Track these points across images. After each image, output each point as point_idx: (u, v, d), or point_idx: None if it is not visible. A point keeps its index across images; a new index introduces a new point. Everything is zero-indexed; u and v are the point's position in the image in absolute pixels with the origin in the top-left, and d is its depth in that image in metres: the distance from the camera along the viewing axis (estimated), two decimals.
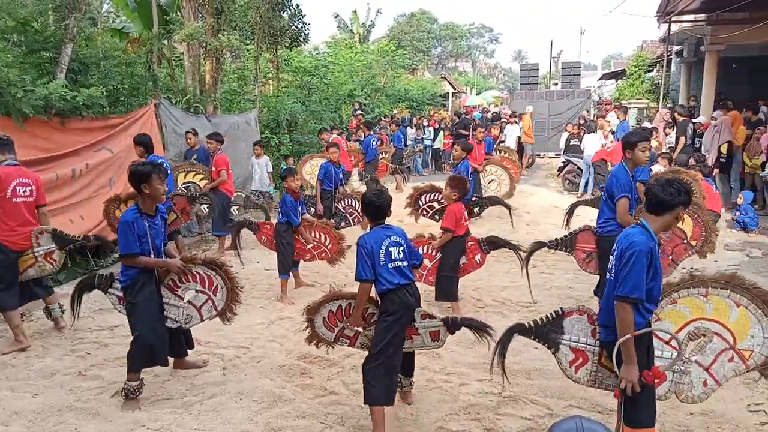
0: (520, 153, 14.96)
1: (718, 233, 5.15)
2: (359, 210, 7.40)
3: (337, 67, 19.10)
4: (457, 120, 17.73)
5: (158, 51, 9.63)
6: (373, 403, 3.22)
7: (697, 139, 11.14)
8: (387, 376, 3.24)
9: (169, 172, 6.77)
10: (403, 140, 14.91)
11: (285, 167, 7.74)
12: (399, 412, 3.54)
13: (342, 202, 7.68)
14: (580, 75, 24.23)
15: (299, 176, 8.93)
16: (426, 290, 5.49)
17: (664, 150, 10.26)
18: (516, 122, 15.73)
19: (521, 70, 25.40)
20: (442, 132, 16.42)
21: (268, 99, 13.28)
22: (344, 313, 3.48)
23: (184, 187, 7.45)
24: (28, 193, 4.53)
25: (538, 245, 5.05)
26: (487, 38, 57.35)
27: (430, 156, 16.79)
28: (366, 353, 3.36)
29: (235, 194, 8.11)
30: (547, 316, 3.02)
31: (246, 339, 4.74)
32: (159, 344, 3.69)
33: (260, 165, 10.00)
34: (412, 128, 16.38)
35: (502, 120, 15.80)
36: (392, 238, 3.32)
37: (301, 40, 15.14)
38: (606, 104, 20.10)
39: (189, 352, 4.17)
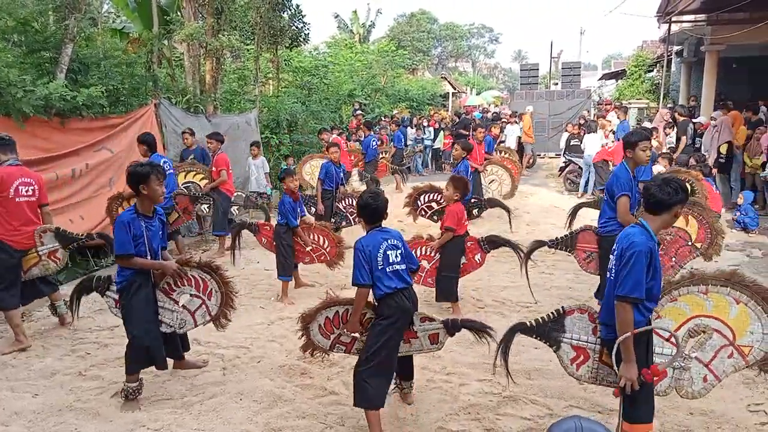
0: (520, 153, 14.96)
1: (724, 236, 5.11)
2: None
3: (337, 67, 19.10)
4: (457, 120, 17.74)
5: (158, 51, 9.64)
6: (363, 406, 3.21)
7: (697, 139, 11.14)
8: (379, 380, 3.20)
9: (171, 171, 6.81)
10: (403, 140, 14.92)
11: (284, 168, 7.73)
12: (399, 412, 3.54)
13: (343, 201, 7.67)
14: (580, 75, 24.22)
15: (299, 177, 8.94)
16: (425, 292, 5.50)
17: (664, 150, 10.26)
18: (516, 122, 15.73)
19: (521, 70, 25.40)
20: (442, 132, 16.43)
21: (268, 99, 13.28)
22: (341, 320, 3.41)
23: (184, 187, 7.45)
24: (30, 193, 4.55)
25: (538, 244, 5.05)
26: (487, 38, 57.41)
27: (430, 156, 16.80)
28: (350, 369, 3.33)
29: (235, 194, 8.12)
30: (548, 315, 3.03)
31: (246, 339, 4.74)
32: (155, 346, 3.65)
33: (257, 166, 9.95)
34: (412, 128, 16.39)
35: (503, 120, 15.81)
36: (389, 241, 3.28)
37: (301, 40, 15.15)
38: (606, 104, 20.10)
39: (186, 355, 4.15)
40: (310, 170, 9.78)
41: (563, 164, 13.38)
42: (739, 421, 3.39)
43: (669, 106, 14.83)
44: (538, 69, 24.35)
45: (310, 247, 5.96)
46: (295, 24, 14.38)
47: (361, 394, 3.21)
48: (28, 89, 5.97)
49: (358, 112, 16.63)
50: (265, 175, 10.06)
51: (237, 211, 8.50)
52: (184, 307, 3.81)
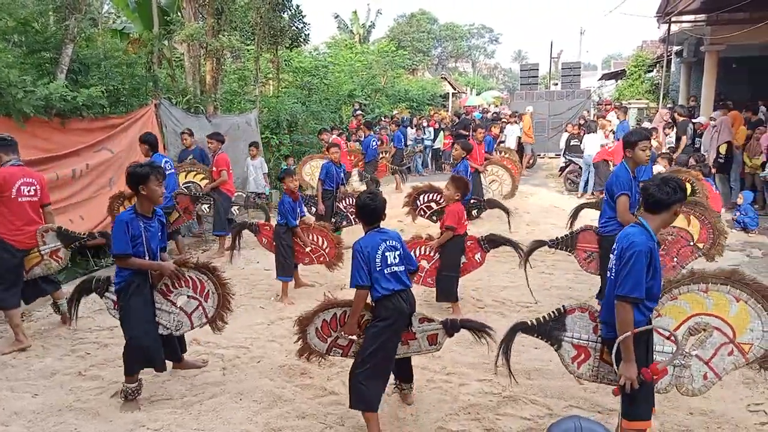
0: (520, 153, 14.96)
1: (727, 236, 5.10)
2: None
3: (337, 68, 19.11)
4: (457, 120, 17.74)
5: (159, 51, 9.64)
6: (359, 408, 3.20)
7: (697, 139, 11.14)
8: (375, 382, 3.18)
9: (173, 171, 6.82)
10: (403, 140, 14.92)
11: (283, 168, 7.72)
12: (399, 412, 3.54)
13: (343, 201, 7.67)
14: (580, 75, 24.19)
15: (299, 177, 8.94)
16: (425, 292, 5.50)
17: (664, 150, 10.26)
18: (516, 122, 15.74)
19: (521, 70, 25.38)
20: (442, 132, 16.43)
21: (268, 99, 13.29)
22: (339, 322, 3.37)
23: (185, 187, 7.46)
24: (32, 193, 4.59)
25: (539, 244, 5.05)
26: (487, 38, 57.37)
27: (430, 156, 16.80)
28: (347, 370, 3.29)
29: (235, 194, 8.12)
30: (549, 314, 3.05)
31: (246, 339, 4.74)
32: (154, 348, 3.63)
33: (255, 166, 9.93)
34: (412, 128, 16.39)
35: (502, 120, 15.81)
36: (388, 242, 3.25)
37: (301, 40, 15.18)
38: (606, 104, 20.11)
39: (186, 355, 4.15)
40: (310, 171, 9.78)
41: (563, 164, 13.38)
42: (739, 421, 3.39)
43: (669, 106, 14.84)
44: (538, 69, 24.33)
45: (310, 248, 5.96)
46: (295, 24, 14.40)
47: (357, 396, 3.19)
48: (28, 90, 5.98)
49: (358, 112, 16.63)
50: (264, 176, 10.05)
51: (237, 211, 8.50)
52: (180, 308, 3.78)
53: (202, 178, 7.71)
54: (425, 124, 16.70)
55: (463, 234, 5.22)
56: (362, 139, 12.27)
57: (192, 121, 9.22)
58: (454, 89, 31.07)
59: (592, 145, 11.39)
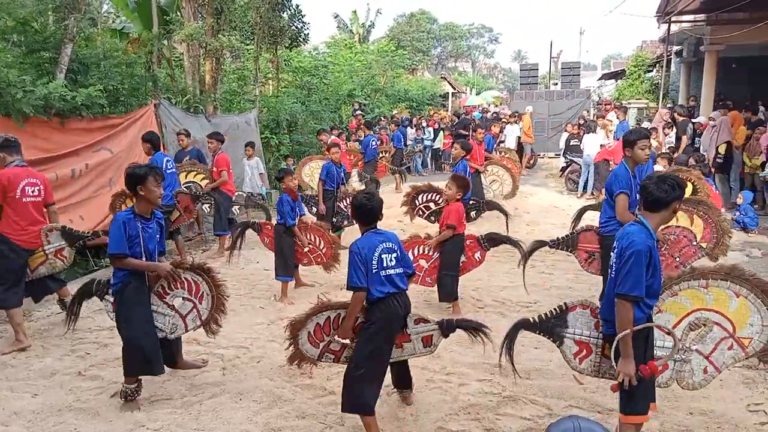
0: (520, 153, 14.97)
1: (731, 235, 5.08)
2: None
3: (336, 68, 19.11)
4: (457, 120, 17.74)
5: (158, 51, 9.64)
6: (355, 412, 3.18)
7: (696, 139, 11.14)
8: (369, 386, 3.13)
9: (173, 170, 6.82)
10: (402, 140, 14.92)
11: (282, 168, 7.71)
12: (399, 413, 3.54)
13: (344, 201, 7.66)
14: (579, 75, 24.22)
15: (298, 178, 8.93)
16: (425, 292, 5.50)
17: (664, 150, 10.26)
18: (516, 122, 15.75)
19: (521, 70, 25.39)
20: (442, 132, 16.43)
21: (268, 99, 13.29)
22: (332, 326, 3.29)
23: (185, 188, 7.45)
24: (36, 193, 4.63)
25: (539, 244, 5.03)
26: (486, 38, 57.39)
27: (429, 156, 16.80)
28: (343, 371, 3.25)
29: (236, 194, 8.12)
30: (551, 311, 3.08)
31: (246, 339, 4.74)
32: (152, 349, 3.59)
33: (251, 166, 9.87)
34: (411, 128, 16.39)
35: (502, 120, 15.81)
36: (385, 244, 3.19)
37: (301, 40, 15.17)
38: (606, 104, 20.11)
39: (186, 355, 4.13)
40: (310, 172, 9.77)
41: (565, 164, 13.38)
42: (739, 421, 3.39)
43: (668, 106, 14.85)
44: (537, 69, 24.36)
45: (308, 248, 5.95)
46: (295, 24, 14.40)
47: (352, 401, 3.14)
48: (27, 89, 5.98)
49: (358, 112, 16.63)
50: (260, 176, 10.01)
51: (238, 211, 8.50)
52: (176, 310, 3.74)
53: (203, 178, 7.71)
54: (425, 124, 16.70)
55: (463, 233, 5.21)
56: (362, 138, 12.27)
57: (191, 120, 9.21)
58: (454, 89, 31.08)
59: (592, 144, 11.40)
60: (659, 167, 8.03)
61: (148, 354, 3.57)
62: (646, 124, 13.35)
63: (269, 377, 4.02)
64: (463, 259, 5.26)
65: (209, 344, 4.59)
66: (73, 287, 5.04)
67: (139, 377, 3.67)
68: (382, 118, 17.63)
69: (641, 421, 2.81)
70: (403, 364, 3.48)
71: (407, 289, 3.31)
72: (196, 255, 7.60)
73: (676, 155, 9.84)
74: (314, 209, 7.46)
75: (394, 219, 8.34)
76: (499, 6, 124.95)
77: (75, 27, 7.14)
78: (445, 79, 30.79)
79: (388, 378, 3.38)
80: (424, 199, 7.00)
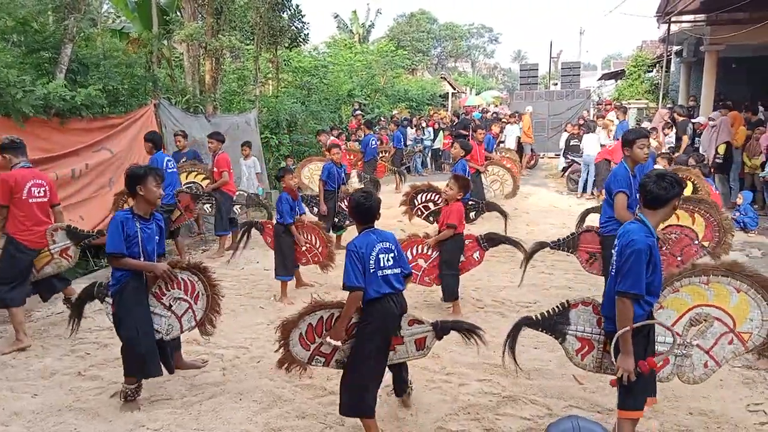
0: (520, 153, 14.97)
1: (733, 234, 5.09)
2: None
3: (336, 68, 19.11)
4: (457, 120, 17.74)
5: (158, 51, 9.64)
6: (354, 415, 3.16)
7: (696, 139, 11.14)
8: (367, 388, 3.10)
9: (174, 170, 6.82)
10: (402, 140, 14.92)
11: (281, 167, 7.70)
12: (399, 413, 3.54)
13: (345, 201, 7.66)
14: (579, 75, 24.22)
15: (298, 179, 8.92)
16: (425, 291, 5.50)
17: (664, 150, 10.26)
18: (516, 122, 15.75)
19: (521, 70, 25.40)
20: (441, 132, 16.43)
21: (268, 99, 13.30)
22: (325, 327, 3.20)
23: (186, 188, 7.45)
24: (42, 194, 4.67)
25: (541, 246, 5.02)
26: (486, 38, 57.39)
27: (429, 156, 16.80)
28: (341, 371, 3.21)
29: (237, 193, 8.11)
30: (554, 309, 3.10)
31: (246, 339, 4.74)
32: (150, 350, 3.57)
33: (248, 166, 9.79)
34: (411, 128, 16.39)
35: (502, 120, 15.82)
36: (383, 243, 3.16)
37: (301, 40, 15.16)
38: (606, 104, 20.11)
39: (185, 355, 4.13)
40: (309, 173, 9.76)
41: (566, 164, 13.38)
42: (739, 421, 3.39)
43: (668, 106, 14.85)
44: (537, 69, 24.35)
45: (305, 247, 5.95)
46: (295, 24, 14.40)
47: (350, 403, 3.11)
48: (27, 89, 5.97)
49: (358, 112, 16.64)
50: (257, 175, 9.98)
51: (239, 210, 8.49)
52: (172, 311, 3.72)
53: (204, 179, 7.70)
54: (424, 124, 16.70)
55: (462, 233, 5.21)
56: (362, 138, 12.27)
57: (191, 120, 9.21)
58: (454, 89, 31.08)
59: (592, 144, 11.40)
60: (659, 167, 8.03)
61: (146, 355, 3.56)
62: (646, 124, 13.34)
63: (269, 377, 4.02)
64: (462, 258, 5.25)
65: (209, 344, 4.59)
66: (73, 287, 5.06)
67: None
68: (382, 118, 17.63)
69: (637, 416, 2.84)
70: (398, 371, 3.43)
71: (404, 290, 3.29)
72: (195, 255, 7.60)
73: (676, 155, 9.84)
74: (315, 210, 7.46)
75: (394, 219, 8.34)
76: (499, 6, 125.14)
77: (75, 27, 7.14)
78: (445, 79, 30.79)
79: (387, 378, 3.38)
80: (423, 199, 7.01)
